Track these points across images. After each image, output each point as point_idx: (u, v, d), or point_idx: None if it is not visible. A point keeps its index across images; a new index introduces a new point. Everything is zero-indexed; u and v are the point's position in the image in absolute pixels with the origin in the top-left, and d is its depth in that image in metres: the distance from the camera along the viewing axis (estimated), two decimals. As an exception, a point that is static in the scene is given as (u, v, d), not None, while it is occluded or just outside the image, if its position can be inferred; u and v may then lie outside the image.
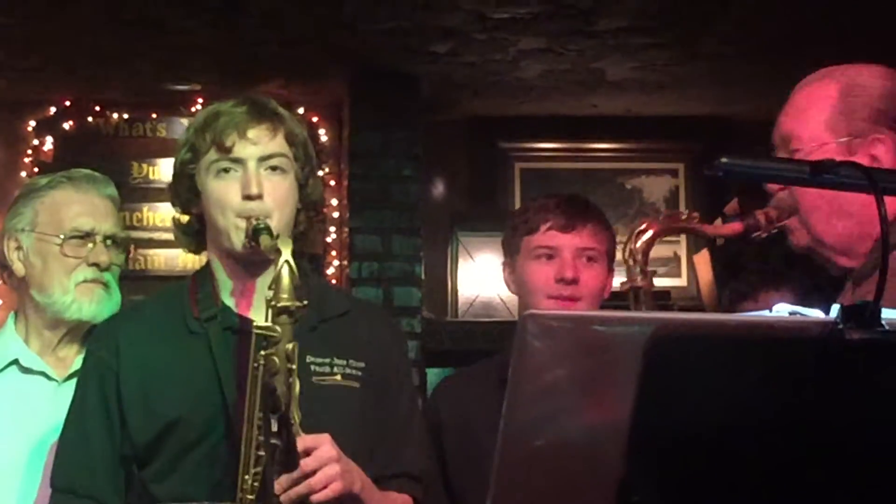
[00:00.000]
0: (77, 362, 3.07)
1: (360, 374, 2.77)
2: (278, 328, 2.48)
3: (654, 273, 2.91)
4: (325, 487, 2.48)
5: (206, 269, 2.84)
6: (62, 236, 3.11)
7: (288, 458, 2.47)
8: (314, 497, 2.48)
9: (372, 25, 6.22)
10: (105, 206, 3.22)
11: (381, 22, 6.17)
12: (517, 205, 7.56)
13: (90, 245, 3.13)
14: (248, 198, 2.67)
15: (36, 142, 7.52)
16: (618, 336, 1.43)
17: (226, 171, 2.71)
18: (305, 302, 2.51)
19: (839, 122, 2.39)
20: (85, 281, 3.11)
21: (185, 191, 2.83)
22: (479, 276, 7.57)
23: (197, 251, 2.89)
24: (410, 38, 6.42)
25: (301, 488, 2.47)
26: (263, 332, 2.49)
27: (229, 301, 2.78)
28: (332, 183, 7.45)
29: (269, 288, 2.51)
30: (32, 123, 7.53)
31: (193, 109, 7.44)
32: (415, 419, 2.95)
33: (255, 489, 2.50)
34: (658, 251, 8.18)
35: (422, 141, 7.20)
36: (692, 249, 7.77)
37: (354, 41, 6.48)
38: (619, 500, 1.43)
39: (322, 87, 7.30)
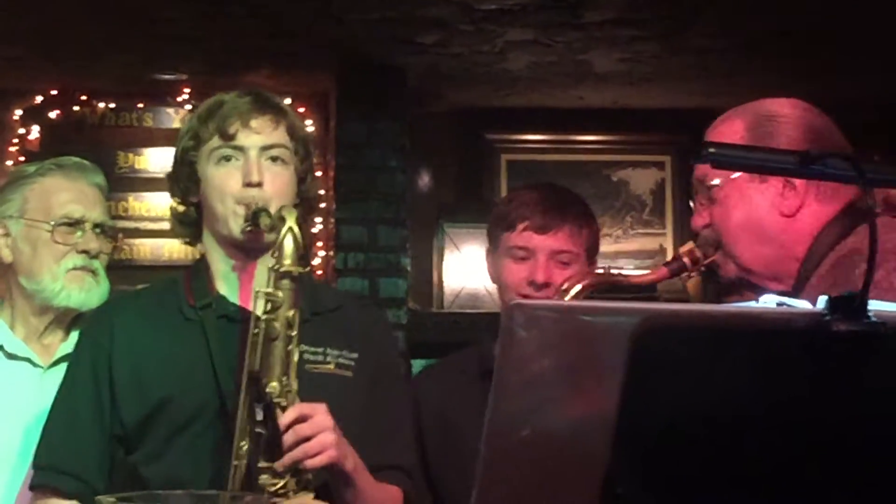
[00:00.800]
0: (62, 349, 3.08)
1: (352, 364, 2.78)
2: (280, 293, 2.51)
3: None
4: (319, 454, 2.49)
5: (202, 262, 2.85)
6: (52, 223, 3.11)
7: (273, 447, 2.47)
8: (308, 462, 2.48)
9: (359, 16, 6.22)
10: (94, 194, 3.22)
11: (368, 13, 6.16)
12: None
13: (79, 232, 3.13)
14: (248, 185, 2.69)
15: (22, 130, 7.52)
16: (604, 326, 1.42)
17: (227, 158, 2.73)
18: (308, 268, 2.54)
19: None
20: (75, 268, 3.12)
21: (185, 178, 2.81)
22: (465, 268, 7.57)
23: (193, 241, 2.90)
24: (397, 28, 6.42)
25: (297, 453, 2.47)
26: (266, 296, 2.52)
27: (226, 290, 2.79)
28: (319, 174, 7.43)
29: (272, 255, 2.55)
30: (18, 112, 7.53)
31: (180, 99, 7.45)
32: (404, 413, 2.97)
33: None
34: (644, 244, 8.23)
35: (408, 132, 7.20)
36: (678, 242, 7.78)
37: (341, 32, 6.47)
38: (604, 492, 1.42)
39: (309, 78, 7.30)
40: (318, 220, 7.41)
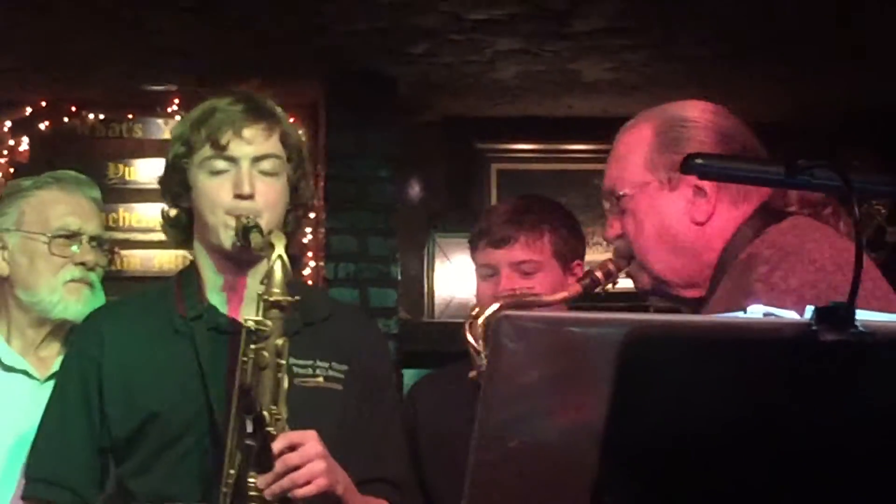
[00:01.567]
0: (58, 362, 3.07)
1: (342, 376, 2.77)
2: (269, 322, 2.50)
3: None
4: (308, 483, 2.48)
5: (192, 268, 2.83)
6: (49, 235, 3.11)
7: (263, 459, 2.46)
8: (297, 492, 2.47)
9: (348, 26, 6.22)
10: (90, 207, 3.23)
11: (358, 23, 6.16)
12: (493, 205, 7.57)
13: (76, 245, 3.14)
14: (239, 197, 2.66)
15: (12, 142, 7.50)
16: (592, 337, 1.43)
17: (219, 168, 2.70)
18: (297, 297, 2.53)
19: (657, 160, 2.38)
20: (72, 280, 3.12)
21: (176, 185, 2.79)
22: (456, 277, 7.57)
23: (184, 246, 2.88)
24: (387, 38, 6.42)
25: (284, 482, 2.46)
26: (255, 325, 2.50)
27: (216, 300, 2.77)
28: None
29: (262, 282, 2.53)
30: (8, 124, 7.51)
31: (170, 110, 7.44)
32: (395, 425, 2.95)
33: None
34: (634, 252, 8.22)
35: (398, 142, 7.19)
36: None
37: (331, 42, 6.47)
38: (593, 502, 1.43)
39: (298, 88, 7.29)
40: (308, 230, 7.40)
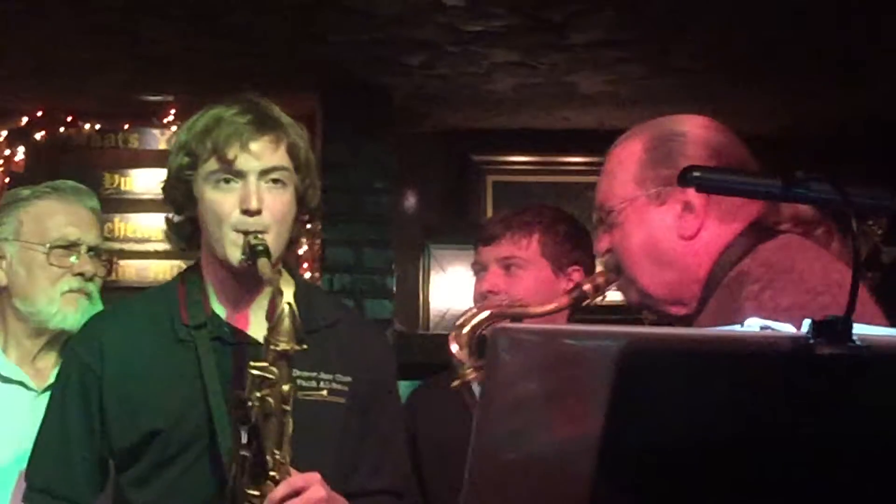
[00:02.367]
0: (55, 374, 3.05)
1: (346, 388, 2.73)
2: (275, 369, 2.44)
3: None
4: None
5: (196, 271, 2.79)
6: (47, 245, 3.11)
7: (258, 470, 2.45)
8: None
9: (345, 37, 6.22)
10: (89, 217, 3.22)
11: (354, 34, 6.16)
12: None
13: (75, 255, 3.13)
14: (246, 212, 2.61)
15: (7, 152, 7.51)
16: (589, 350, 1.43)
17: (226, 181, 2.64)
18: (305, 346, 2.47)
19: (646, 175, 2.37)
20: (70, 290, 3.11)
21: (181, 195, 2.72)
22: (451, 289, 7.57)
23: (187, 254, 2.85)
24: (383, 50, 6.42)
25: None
26: (261, 373, 2.44)
27: (220, 309, 2.73)
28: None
29: (268, 329, 2.47)
30: (4, 133, 7.52)
31: (166, 120, 7.44)
32: (398, 436, 2.93)
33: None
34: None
35: (394, 153, 7.19)
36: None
37: (327, 53, 6.47)
38: (590, 514, 1.43)
39: (294, 99, 7.24)
40: (304, 241, 7.39)
